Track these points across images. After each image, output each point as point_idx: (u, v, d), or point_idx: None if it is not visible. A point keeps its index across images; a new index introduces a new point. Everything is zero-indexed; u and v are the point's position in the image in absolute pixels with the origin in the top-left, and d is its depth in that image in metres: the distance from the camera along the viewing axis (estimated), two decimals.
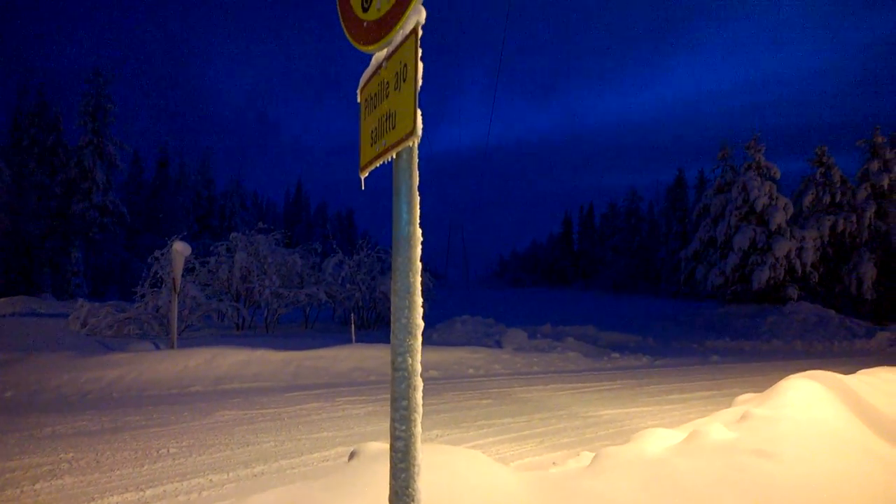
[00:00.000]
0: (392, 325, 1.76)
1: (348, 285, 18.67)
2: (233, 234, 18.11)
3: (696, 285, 27.02)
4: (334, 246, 19.81)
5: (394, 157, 1.77)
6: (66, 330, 13.83)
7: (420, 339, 1.76)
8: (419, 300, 1.76)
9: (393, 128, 1.76)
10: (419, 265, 1.77)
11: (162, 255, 15.83)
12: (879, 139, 23.18)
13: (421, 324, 1.76)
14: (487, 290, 67.99)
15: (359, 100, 2.13)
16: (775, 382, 5.11)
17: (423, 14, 1.66)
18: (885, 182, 22.63)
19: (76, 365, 8.47)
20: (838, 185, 23.79)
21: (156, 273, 15.84)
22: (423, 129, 1.70)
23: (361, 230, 71.54)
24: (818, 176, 24.05)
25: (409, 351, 1.72)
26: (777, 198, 23.21)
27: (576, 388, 8.73)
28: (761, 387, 6.10)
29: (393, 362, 1.74)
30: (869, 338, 17.98)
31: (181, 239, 13.04)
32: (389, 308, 18.38)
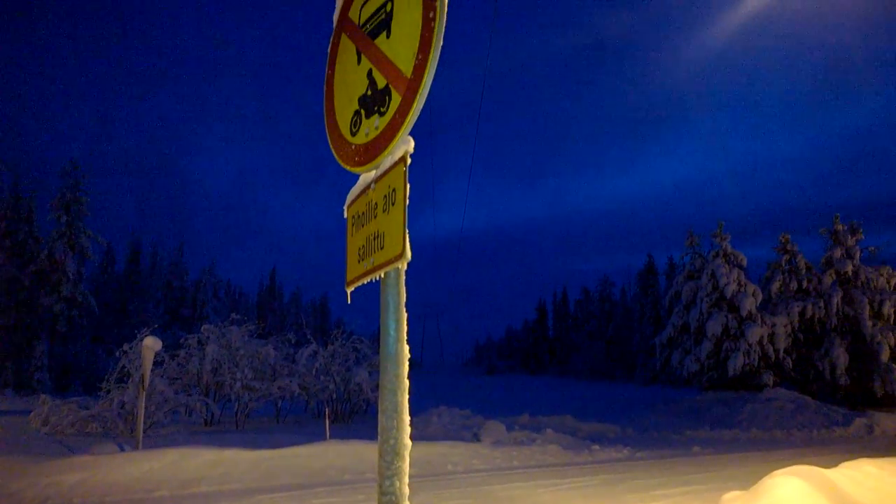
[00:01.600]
0: (379, 446, 1.73)
1: (322, 377, 18.25)
2: (204, 326, 17.77)
3: (672, 372, 27.00)
4: (308, 336, 19.51)
5: (381, 275, 1.81)
6: (26, 429, 13.17)
7: (408, 459, 1.74)
8: (407, 419, 1.75)
9: (381, 248, 1.81)
10: (407, 383, 1.77)
11: (130, 348, 15.38)
12: (840, 227, 24.12)
13: (409, 444, 1.74)
14: (463, 378, 66.97)
15: (345, 215, 2.18)
16: (759, 476, 5.05)
17: (412, 144, 1.75)
18: (849, 269, 23.36)
19: (36, 469, 8.02)
20: (804, 271, 24.47)
21: (123, 367, 15.33)
22: None
23: (336, 317, 70.78)
24: (784, 263, 24.76)
25: (397, 474, 1.68)
26: (745, 284, 23.74)
27: (557, 485, 8.48)
28: (745, 481, 6.01)
29: (380, 486, 1.70)
30: (847, 425, 17.97)
31: (152, 332, 12.76)
32: (364, 400, 17.88)
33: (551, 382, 54.08)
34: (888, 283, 23.33)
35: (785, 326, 23.08)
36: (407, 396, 1.77)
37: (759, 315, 23.24)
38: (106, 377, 15.17)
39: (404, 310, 1.80)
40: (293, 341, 19.76)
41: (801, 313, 23.32)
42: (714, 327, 23.36)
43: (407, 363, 1.78)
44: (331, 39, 2.32)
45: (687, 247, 26.59)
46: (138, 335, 14.88)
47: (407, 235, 1.68)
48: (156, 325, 16.41)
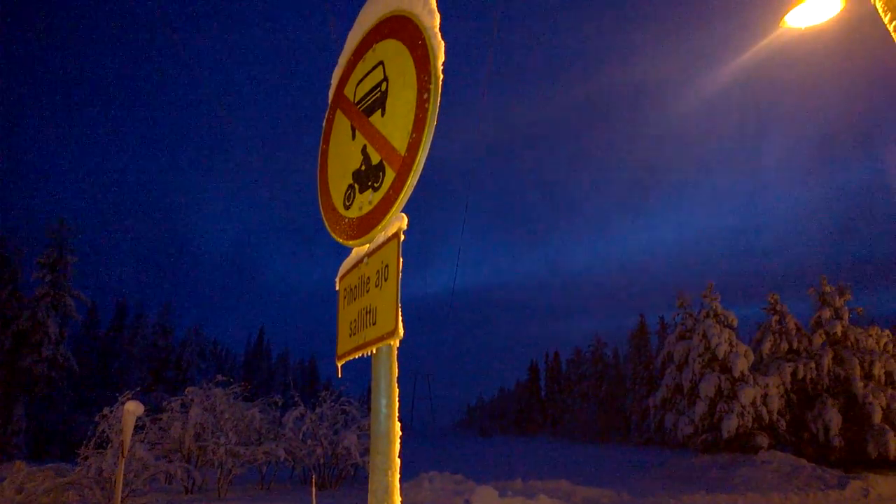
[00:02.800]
0: None
1: (309, 440, 17.79)
2: (188, 389, 17.41)
3: (666, 433, 26.59)
4: (295, 398, 19.13)
5: (373, 350, 1.79)
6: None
7: None
8: (398, 501, 1.70)
9: (373, 324, 1.79)
10: (398, 462, 1.73)
11: (111, 412, 14.96)
12: (827, 288, 24.34)
13: None
14: (455, 440, 65.49)
15: (337, 287, 2.18)
16: None
17: (405, 220, 1.76)
18: (838, 329, 23.43)
19: None
20: (794, 332, 24.50)
21: (102, 432, 14.87)
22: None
23: (325, 377, 69.63)
24: (774, 323, 24.80)
25: None
26: (737, 344, 23.70)
27: None
28: None
29: None
30: (842, 488, 17.61)
31: (134, 395, 12.46)
32: (352, 464, 17.38)
33: (544, 444, 52.99)
34: (877, 343, 23.37)
35: (777, 387, 22.93)
36: (398, 476, 1.72)
37: (751, 376, 23.12)
38: (84, 443, 14.69)
39: (396, 386, 1.78)
40: (280, 403, 19.36)
41: (793, 374, 23.22)
42: (707, 388, 23.16)
43: (398, 442, 1.74)
44: (326, 115, 2.37)
45: (678, 307, 26.64)
46: (119, 398, 14.50)
47: (400, 312, 1.68)
48: (138, 388, 16.06)
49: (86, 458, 14.23)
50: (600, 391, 60.63)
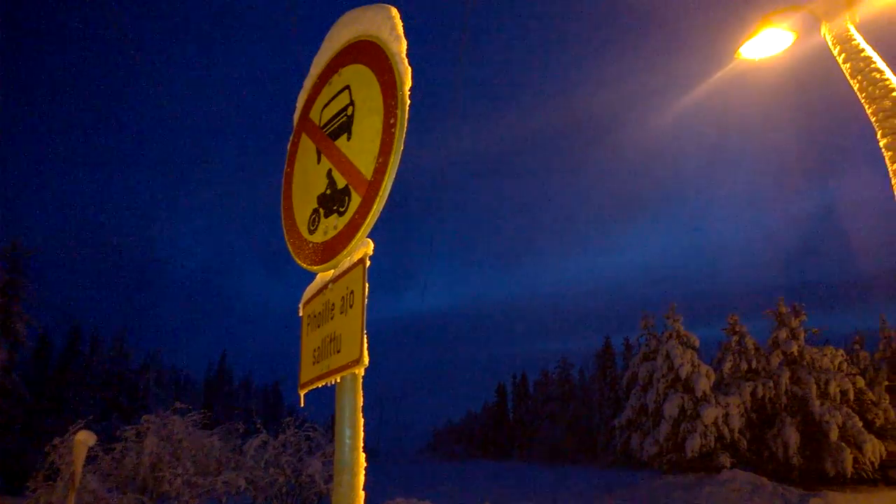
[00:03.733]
0: None
1: (272, 469, 17.30)
2: (144, 417, 16.80)
3: (632, 454, 26.74)
4: (258, 424, 18.65)
5: (337, 379, 1.75)
6: None
7: None
8: None
9: (338, 351, 1.75)
10: (362, 495, 1.68)
11: (62, 442, 14.34)
12: (783, 309, 25.01)
13: None
14: (422, 464, 64.70)
15: (300, 313, 2.13)
16: None
17: (371, 246, 1.74)
18: (795, 349, 24.04)
19: None
20: (753, 352, 25.05)
21: (52, 463, 14.23)
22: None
23: (289, 403, 68.14)
24: (734, 344, 25.33)
25: None
26: (699, 365, 24.10)
27: None
28: None
29: None
30: None
31: (86, 424, 11.99)
32: (316, 493, 16.96)
33: (512, 467, 52.70)
34: (832, 363, 24.03)
35: (738, 407, 23.33)
36: None
37: (713, 396, 23.49)
38: (33, 474, 14.04)
39: (361, 416, 1.74)
40: (241, 430, 18.84)
41: (753, 393, 23.67)
42: (671, 409, 23.44)
43: (363, 473, 1.70)
44: (290, 138, 2.34)
45: (642, 329, 27.03)
46: (70, 428, 13.95)
47: (365, 340, 1.64)
48: (90, 417, 15.49)
49: (34, 490, 13.60)
50: (567, 413, 60.82)
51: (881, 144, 5.23)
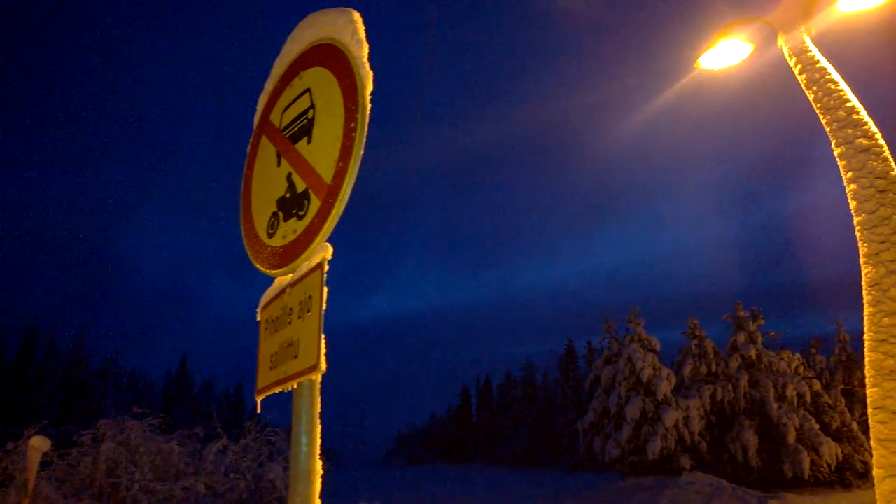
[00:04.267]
0: None
1: (232, 474, 17.01)
2: (101, 421, 16.36)
3: (594, 457, 27.03)
4: (218, 429, 18.31)
5: (294, 386, 1.73)
6: None
7: None
8: None
9: (295, 357, 1.73)
10: (319, 503, 1.66)
11: (15, 447, 13.88)
12: (742, 313, 25.64)
13: None
14: (385, 469, 64.39)
15: (258, 318, 2.10)
16: None
17: (330, 250, 1.72)
18: (753, 353, 24.65)
19: None
20: (712, 356, 25.60)
21: (5, 469, 13.74)
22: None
23: (251, 407, 67.10)
24: (693, 347, 25.85)
25: None
26: (660, 368, 24.51)
27: None
28: None
29: None
30: None
31: (41, 429, 11.62)
32: (277, 498, 16.72)
33: (476, 471, 52.76)
34: (789, 366, 24.70)
35: (698, 409, 23.79)
36: None
37: (674, 399, 23.91)
38: None
39: (318, 423, 1.72)
40: (201, 435, 18.49)
41: (713, 396, 24.18)
42: (633, 411, 23.76)
43: (319, 481, 1.67)
44: (251, 140, 2.31)
45: (604, 332, 27.38)
46: (25, 433, 13.51)
47: (322, 346, 1.62)
48: (44, 422, 15.00)
49: None
50: (530, 416, 61.18)
51: (835, 154, 5.41)
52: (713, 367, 25.29)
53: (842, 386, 26.01)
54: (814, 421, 23.37)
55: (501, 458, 62.37)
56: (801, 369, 24.97)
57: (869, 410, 4.95)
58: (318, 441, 1.70)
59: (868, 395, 4.98)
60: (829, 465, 22.63)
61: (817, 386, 24.78)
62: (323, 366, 1.60)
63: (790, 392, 23.65)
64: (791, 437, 22.57)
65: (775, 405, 23.44)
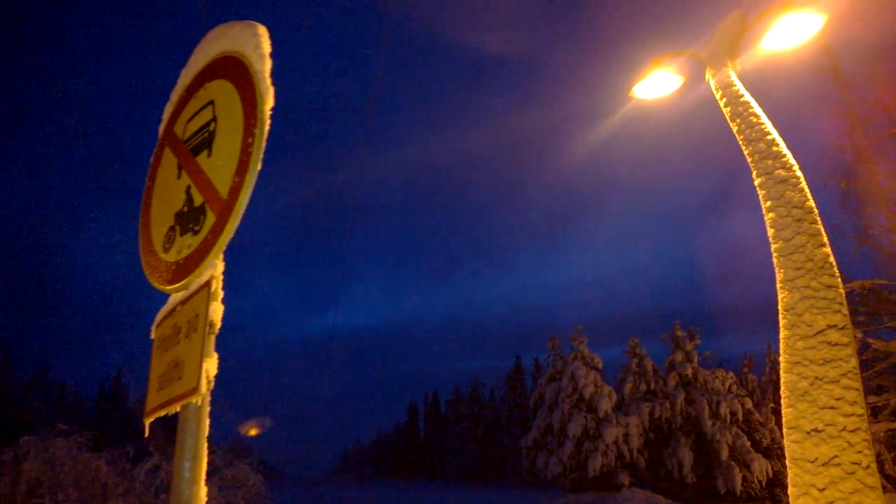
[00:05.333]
0: None
1: (163, 494, 16.35)
2: (24, 438, 15.52)
3: (537, 473, 27.20)
4: (150, 448, 17.60)
5: (178, 409, 1.66)
6: None
7: None
8: None
9: (179, 378, 1.67)
10: None
11: None
12: (679, 333, 26.39)
13: None
14: (330, 487, 63.11)
15: (152, 336, 2.02)
16: None
17: (220, 268, 1.67)
18: (689, 371, 25.37)
19: None
20: (651, 374, 26.22)
21: None
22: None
23: None
24: (634, 366, 26.43)
25: None
26: (601, 386, 24.94)
27: None
28: None
29: None
30: None
31: None
32: None
33: (422, 488, 52.38)
34: (723, 385, 25.51)
35: (637, 426, 24.28)
36: None
37: (614, 416, 24.34)
38: None
39: (205, 447, 1.65)
40: (132, 454, 17.73)
41: (651, 413, 24.72)
42: (575, 428, 24.06)
43: None
44: (154, 151, 2.24)
45: (549, 350, 27.71)
46: None
47: (205, 368, 1.56)
48: None
49: None
50: (477, 432, 61.18)
51: (756, 183, 5.64)
52: (652, 385, 25.89)
53: (772, 404, 26.99)
54: (745, 438, 24.16)
55: (448, 474, 62.10)
56: (734, 388, 25.83)
57: (784, 430, 5.13)
58: (204, 468, 1.64)
59: (783, 416, 5.16)
60: (759, 482, 23.40)
61: (749, 404, 25.67)
62: (203, 389, 1.54)
63: (724, 410, 24.40)
64: (724, 454, 23.24)
65: (709, 422, 24.13)
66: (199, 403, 1.62)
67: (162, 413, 1.77)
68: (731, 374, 26.40)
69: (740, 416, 24.81)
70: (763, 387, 29.52)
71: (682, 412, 24.66)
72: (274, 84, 1.77)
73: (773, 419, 26.57)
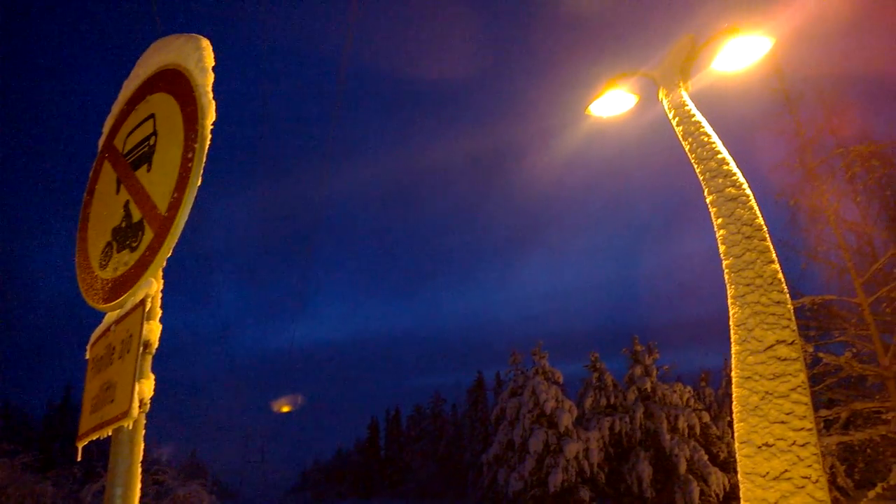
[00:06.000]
0: None
1: None
2: None
3: (498, 490, 27.10)
4: (99, 469, 17.00)
5: (110, 433, 1.59)
6: None
7: None
8: None
9: (112, 401, 1.60)
10: None
11: None
12: (639, 347, 26.80)
13: None
14: None
15: (87, 356, 1.94)
16: None
17: (155, 287, 1.62)
18: (648, 385, 25.75)
19: None
20: (611, 388, 26.52)
21: None
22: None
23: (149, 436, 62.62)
24: (594, 380, 26.70)
25: None
26: (563, 401, 25.09)
27: None
28: None
29: None
30: None
31: None
32: None
33: None
34: (681, 399, 25.95)
35: (598, 441, 24.47)
36: None
37: (575, 431, 24.49)
38: None
39: (138, 473, 1.59)
40: (79, 475, 17.11)
41: (611, 428, 24.96)
42: (536, 444, 24.10)
43: None
44: (93, 164, 2.17)
45: (510, 364, 27.78)
46: None
47: (138, 390, 1.50)
48: None
49: None
50: (438, 448, 60.78)
51: (707, 201, 5.78)
52: (612, 400, 26.17)
53: (728, 418, 27.54)
54: (703, 452, 24.57)
55: (409, 491, 61.37)
56: (691, 402, 26.29)
57: (736, 445, 5.22)
58: (137, 496, 1.57)
59: (735, 430, 5.26)
60: (717, 495, 23.78)
61: (706, 418, 26.15)
62: (135, 413, 1.48)
63: (682, 424, 24.80)
64: (682, 468, 23.58)
65: (668, 436, 24.48)
66: (132, 427, 1.56)
67: (94, 437, 1.69)
68: (688, 388, 26.88)
69: (698, 430, 25.25)
70: (720, 400, 30.12)
71: (641, 426, 24.96)
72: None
73: (730, 433, 27.09)
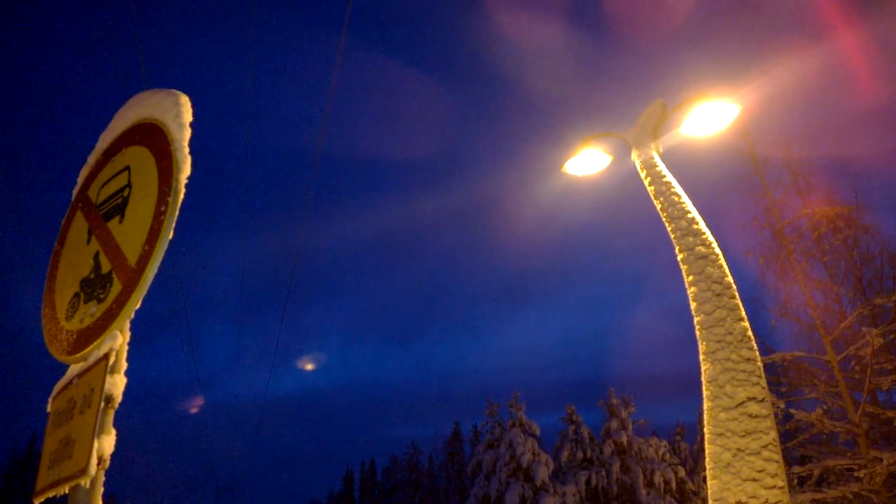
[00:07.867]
0: None
1: None
2: None
3: None
4: None
5: (68, 490, 1.55)
6: None
7: None
8: None
9: (70, 458, 1.57)
10: None
11: None
12: (615, 400, 26.68)
13: None
14: None
15: (48, 409, 1.90)
16: None
17: (119, 341, 1.61)
18: (624, 439, 25.54)
19: None
20: (588, 441, 26.25)
21: None
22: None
23: (108, 490, 60.13)
24: (571, 433, 26.42)
25: None
26: (539, 454, 24.72)
27: None
28: None
29: None
30: None
31: None
32: None
33: None
34: (657, 453, 25.75)
35: (574, 496, 24.04)
36: None
37: (551, 484, 24.05)
38: None
39: None
40: None
41: (587, 482, 24.59)
42: (512, 497, 23.60)
43: None
44: (66, 213, 2.17)
45: (487, 416, 27.42)
46: None
47: (96, 447, 1.48)
48: None
49: None
50: (414, 501, 59.16)
51: (679, 258, 5.90)
52: (588, 453, 25.87)
53: (704, 473, 27.34)
54: None
55: None
56: (667, 456, 26.09)
57: (710, 503, 5.19)
58: None
59: (708, 487, 5.23)
60: None
61: (682, 472, 25.92)
62: (93, 471, 1.45)
63: (658, 478, 24.54)
64: None
65: (644, 491, 24.17)
66: (89, 486, 1.52)
67: (51, 494, 1.64)
68: (664, 441, 26.71)
69: (674, 485, 24.98)
70: (695, 455, 29.94)
71: (617, 481, 24.64)
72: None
73: (705, 487, 26.83)
